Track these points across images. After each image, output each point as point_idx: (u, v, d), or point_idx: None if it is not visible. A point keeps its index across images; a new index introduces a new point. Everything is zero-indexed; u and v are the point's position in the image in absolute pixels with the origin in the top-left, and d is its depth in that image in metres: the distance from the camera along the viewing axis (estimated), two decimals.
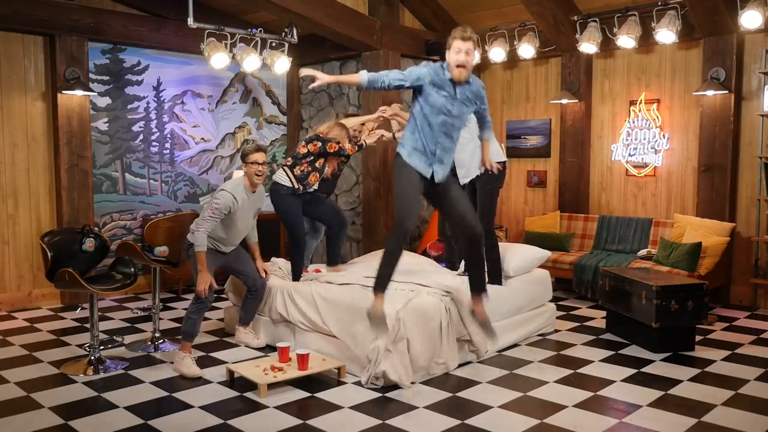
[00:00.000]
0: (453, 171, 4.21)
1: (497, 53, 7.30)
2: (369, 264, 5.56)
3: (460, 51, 3.86)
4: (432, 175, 4.00)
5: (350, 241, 7.58)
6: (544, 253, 5.40)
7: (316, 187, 5.30)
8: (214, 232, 4.63)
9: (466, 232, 4.13)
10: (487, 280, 4.35)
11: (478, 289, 4.23)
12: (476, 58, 4.20)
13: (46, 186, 6.40)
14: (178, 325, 5.71)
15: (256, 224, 5.02)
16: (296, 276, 5.19)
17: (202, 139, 7.49)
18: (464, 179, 4.91)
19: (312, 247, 5.73)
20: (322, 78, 3.83)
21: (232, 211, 4.58)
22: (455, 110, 3.97)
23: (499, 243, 5.25)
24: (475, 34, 3.95)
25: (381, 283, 4.05)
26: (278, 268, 5.43)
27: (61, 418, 3.67)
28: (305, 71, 3.95)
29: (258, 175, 4.63)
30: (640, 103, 6.97)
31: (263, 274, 4.96)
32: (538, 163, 7.84)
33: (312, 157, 5.14)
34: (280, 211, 5.23)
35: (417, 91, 3.99)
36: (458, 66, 3.87)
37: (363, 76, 3.90)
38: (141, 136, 7.02)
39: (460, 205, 4.12)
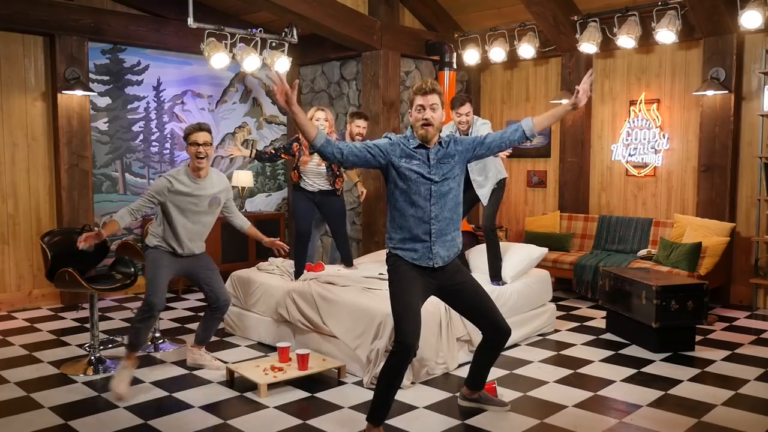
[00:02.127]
0: (461, 257, 3.54)
1: (497, 53, 7.30)
2: (371, 263, 5.59)
3: (424, 107, 3.28)
4: (434, 262, 3.37)
5: (350, 240, 7.56)
6: (542, 251, 5.41)
7: (308, 183, 5.23)
8: (164, 228, 4.29)
9: (493, 331, 3.56)
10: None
11: (480, 386, 3.81)
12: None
13: (46, 186, 6.40)
14: (179, 325, 5.72)
15: (239, 212, 4.68)
16: (298, 272, 5.20)
17: None
18: (485, 198, 5.16)
19: (313, 243, 5.73)
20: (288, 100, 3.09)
21: (168, 196, 4.20)
22: (437, 175, 3.34)
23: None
24: (439, 85, 3.35)
25: (377, 412, 3.33)
26: (275, 267, 5.44)
27: (61, 418, 3.67)
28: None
29: (199, 157, 4.22)
30: (640, 103, 6.96)
31: (279, 249, 4.64)
32: (538, 163, 7.84)
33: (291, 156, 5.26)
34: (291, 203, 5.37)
35: (385, 173, 3.37)
36: (424, 125, 3.29)
37: (319, 137, 3.19)
38: (141, 136, 7.02)
39: (485, 302, 3.53)
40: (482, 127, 5.06)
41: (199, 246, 4.47)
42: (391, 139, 3.36)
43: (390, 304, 3.37)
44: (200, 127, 4.27)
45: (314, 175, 5.22)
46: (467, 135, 5.07)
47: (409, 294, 3.31)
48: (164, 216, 4.29)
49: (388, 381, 3.27)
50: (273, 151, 5.30)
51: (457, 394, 3.94)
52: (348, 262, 5.50)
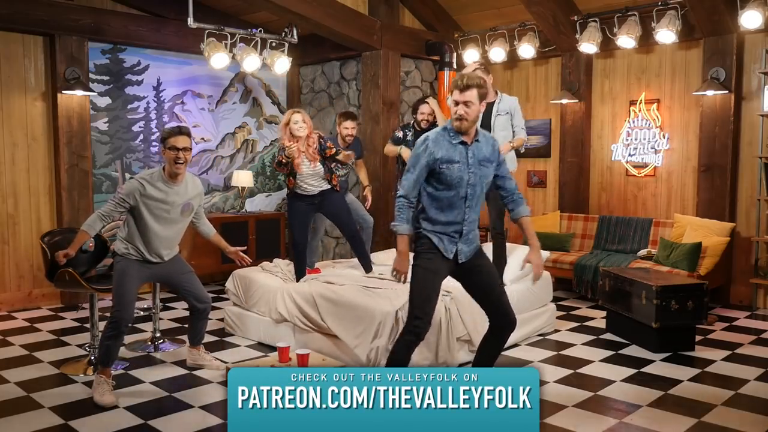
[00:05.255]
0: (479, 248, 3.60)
1: (497, 53, 7.30)
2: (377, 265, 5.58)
3: (458, 103, 3.36)
4: (456, 255, 3.47)
5: None
6: (543, 255, 5.39)
7: (306, 188, 5.10)
8: (133, 233, 4.06)
9: (499, 317, 3.56)
10: None
11: None
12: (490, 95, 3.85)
13: (46, 186, 6.40)
14: (178, 325, 5.72)
15: (206, 219, 4.48)
16: (297, 277, 5.19)
17: (202, 139, 7.49)
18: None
19: (312, 247, 5.70)
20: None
21: (138, 200, 3.98)
22: (474, 177, 3.41)
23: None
24: (478, 78, 3.38)
25: None
26: (280, 269, 5.44)
27: (61, 418, 3.67)
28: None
29: (178, 163, 3.97)
30: (640, 103, 6.96)
31: (241, 261, 4.48)
32: (538, 163, 7.84)
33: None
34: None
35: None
36: (458, 119, 3.37)
37: (401, 229, 3.42)
38: (141, 136, 7.02)
39: (498, 288, 3.57)
40: (512, 102, 5.33)
41: (169, 253, 4.23)
42: (428, 146, 3.39)
43: (411, 285, 3.47)
44: (180, 131, 4.03)
45: (311, 178, 5.10)
46: (489, 105, 5.17)
47: (433, 282, 3.45)
48: (134, 220, 4.04)
49: (400, 359, 3.41)
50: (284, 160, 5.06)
51: None
52: (367, 269, 5.27)
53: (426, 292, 3.43)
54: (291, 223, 5.28)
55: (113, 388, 3.98)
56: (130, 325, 4.06)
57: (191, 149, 4.09)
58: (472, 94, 3.34)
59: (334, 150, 5.14)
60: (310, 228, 5.42)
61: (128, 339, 5.21)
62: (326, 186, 5.16)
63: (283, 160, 5.03)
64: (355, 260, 5.51)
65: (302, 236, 5.23)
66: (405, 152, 5.58)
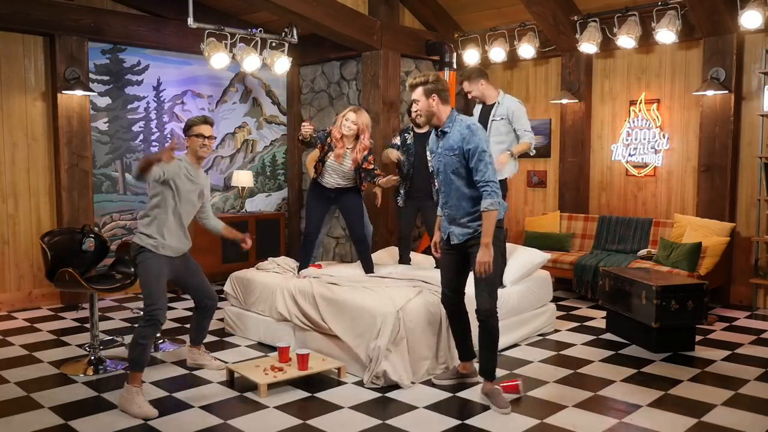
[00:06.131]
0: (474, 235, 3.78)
1: (497, 53, 7.30)
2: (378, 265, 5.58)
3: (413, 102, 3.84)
4: (449, 237, 3.90)
5: (350, 241, 7.57)
6: (544, 257, 5.39)
7: (328, 180, 5.14)
8: (159, 222, 4.02)
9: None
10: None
11: (486, 374, 3.90)
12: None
13: (46, 186, 6.40)
14: (178, 325, 5.72)
15: (212, 214, 4.48)
16: (301, 266, 5.23)
17: None
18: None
19: (316, 242, 5.69)
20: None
21: (175, 175, 4.02)
22: (440, 165, 3.83)
23: None
24: (422, 77, 3.76)
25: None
26: (276, 264, 5.44)
27: (61, 418, 3.67)
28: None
29: (203, 148, 4.14)
30: (640, 103, 6.97)
31: (247, 243, 4.43)
32: (538, 163, 7.84)
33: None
34: None
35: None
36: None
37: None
38: (141, 136, 7.02)
39: (476, 280, 3.79)
40: (511, 105, 5.24)
41: (187, 243, 4.23)
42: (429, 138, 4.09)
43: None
44: (205, 120, 4.20)
45: (338, 174, 5.10)
46: (489, 107, 5.28)
47: (444, 258, 4.04)
48: (164, 204, 4.02)
49: (452, 330, 4.20)
50: (309, 139, 5.02)
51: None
52: (368, 270, 5.27)
53: (440, 265, 4.11)
54: (306, 210, 5.36)
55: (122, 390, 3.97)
56: (162, 323, 3.95)
57: (214, 138, 4.29)
58: (416, 93, 3.77)
59: (371, 167, 5.11)
60: (323, 220, 5.41)
61: (128, 339, 5.20)
62: (349, 184, 5.20)
63: (299, 138, 5.06)
64: (356, 263, 5.51)
65: (314, 226, 5.29)
66: (391, 153, 5.66)
